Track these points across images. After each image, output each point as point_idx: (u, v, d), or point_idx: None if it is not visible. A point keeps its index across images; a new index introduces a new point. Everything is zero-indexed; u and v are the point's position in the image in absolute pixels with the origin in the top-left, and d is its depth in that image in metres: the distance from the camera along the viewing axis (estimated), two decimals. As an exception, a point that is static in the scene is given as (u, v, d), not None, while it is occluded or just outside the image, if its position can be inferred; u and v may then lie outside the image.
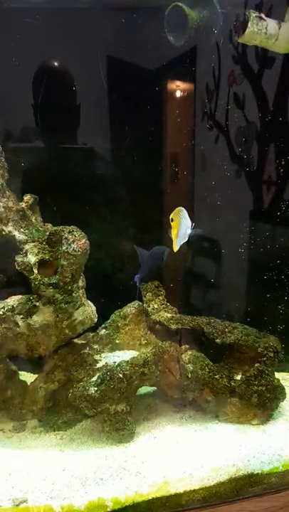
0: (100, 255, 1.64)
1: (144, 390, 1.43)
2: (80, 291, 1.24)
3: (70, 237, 1.14)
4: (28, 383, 1.35)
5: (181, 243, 1.28)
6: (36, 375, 1.35)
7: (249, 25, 1.26)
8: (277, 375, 1.38)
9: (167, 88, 1.83)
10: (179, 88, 1.85)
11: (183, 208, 1.27)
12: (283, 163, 1.72)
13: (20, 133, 1.63)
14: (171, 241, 1.29)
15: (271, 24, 1.29)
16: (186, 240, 1.28)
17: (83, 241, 1.15)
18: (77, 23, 1.50)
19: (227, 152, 1.85)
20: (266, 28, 1.28)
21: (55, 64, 1.57)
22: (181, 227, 1.26)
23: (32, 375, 1.46)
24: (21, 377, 1.38)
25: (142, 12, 1.47)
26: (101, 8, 1.54)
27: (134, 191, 1.74)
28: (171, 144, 1.86)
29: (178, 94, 1.85)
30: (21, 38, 1.41)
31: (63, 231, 1.16)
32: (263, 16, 1.27)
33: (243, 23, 1.27)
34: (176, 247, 1.27)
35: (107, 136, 1.71)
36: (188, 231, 1.28)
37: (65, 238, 1.14)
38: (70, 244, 1.13)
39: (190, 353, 1.29)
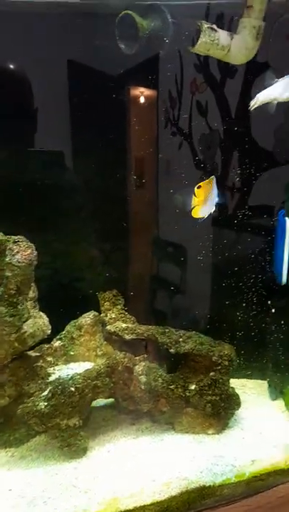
0: (59, 264, 1.61)
1: (102, 401, 1.41)
2: (29, 302, 1.20)
3: (15, 247, 1.10)
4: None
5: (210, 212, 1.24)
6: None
7: (201, 35, 1.26)
8: (237, 381, 1.38)
9: (130, 94, 1.82)
10: (142, 94, 1.85)
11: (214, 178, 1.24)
12: (246, 170, 1.75)
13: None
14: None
15: (223, 35, 1.29)
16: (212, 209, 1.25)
17: (28, 252, 1.11)
18: (37, 27, 1.47)
19: (190, 159, 1.86)
20: (218, 39, 1.29)
21: (11, 66, 1.53)
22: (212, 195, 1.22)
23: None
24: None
25: (102, 18, 1.46)
26: (62, 12, 1.51)
27: (95, 198, 1.72)
28: (134, 150, 1.85)
29: (141, 100, 1.84)
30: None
31: (8, 241, 1.12)
32: (214, 27, 1.28)
33: (196, 33, 1.27)
34: (200, 214, 1.22)
35: (67, 142, 1.69)
36: (215, 199, 1.24)
37: (9, 249, 1.10)
38: (13, 255, 1.09)
39: (144, 364, 1.27)
